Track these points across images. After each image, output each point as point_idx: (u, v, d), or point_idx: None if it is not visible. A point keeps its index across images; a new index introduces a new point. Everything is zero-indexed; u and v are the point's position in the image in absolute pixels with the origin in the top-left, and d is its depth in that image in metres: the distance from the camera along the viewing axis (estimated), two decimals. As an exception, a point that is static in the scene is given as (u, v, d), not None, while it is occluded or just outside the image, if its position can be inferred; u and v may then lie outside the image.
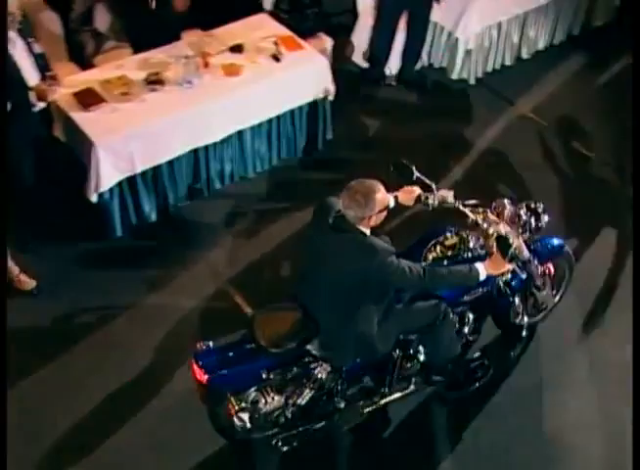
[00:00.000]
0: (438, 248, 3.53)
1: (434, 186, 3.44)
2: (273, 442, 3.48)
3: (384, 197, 3.06)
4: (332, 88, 5.01)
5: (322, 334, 3.25)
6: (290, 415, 3.42)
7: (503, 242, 3.17)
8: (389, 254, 3.05)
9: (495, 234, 3.29)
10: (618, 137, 5.39)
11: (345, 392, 3.52)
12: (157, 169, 4.50)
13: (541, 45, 6.29)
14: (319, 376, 3.36)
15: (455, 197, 3.45)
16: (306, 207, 4.80)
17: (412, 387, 3.69)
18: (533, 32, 6.13)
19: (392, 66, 5.85)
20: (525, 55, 6.22)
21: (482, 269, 3.21)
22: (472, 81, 5.97)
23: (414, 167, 3.48)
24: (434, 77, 6.00)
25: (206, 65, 4.67)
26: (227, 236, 4.68)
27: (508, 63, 6.14)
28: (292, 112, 4.93)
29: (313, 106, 5.03)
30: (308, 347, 3.26)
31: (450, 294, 3.48)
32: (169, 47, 4.77)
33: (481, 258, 3.34)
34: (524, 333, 4.01)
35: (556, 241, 3.83)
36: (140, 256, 4.50)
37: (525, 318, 3.94)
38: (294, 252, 4.55)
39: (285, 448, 3.49)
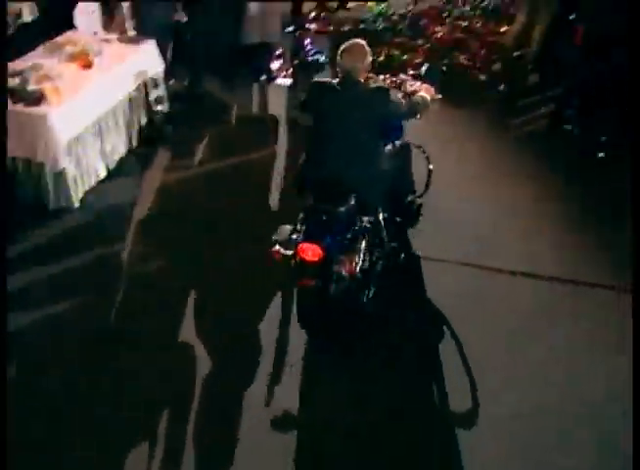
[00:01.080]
0: None
1: None
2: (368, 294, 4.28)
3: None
4: None
5: (358, 187, 3.89)
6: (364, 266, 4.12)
7: (431, 72, 4.90)
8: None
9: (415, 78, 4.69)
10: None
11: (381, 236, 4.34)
12: None
13: (122, 150, 5.98)
14: (368, 226, 4.13)
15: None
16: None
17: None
18: (115, 139, 5.83)
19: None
20: (111, 164, 5.79)
21: (426, 96, 4.35)
22: (76, 204, 5.34)
23: None
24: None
25: None
26: None
27: (103, 174, 5.70)
28: None
29: None
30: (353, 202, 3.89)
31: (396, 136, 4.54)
32: None
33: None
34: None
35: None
36: None
37: None
38: None
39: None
